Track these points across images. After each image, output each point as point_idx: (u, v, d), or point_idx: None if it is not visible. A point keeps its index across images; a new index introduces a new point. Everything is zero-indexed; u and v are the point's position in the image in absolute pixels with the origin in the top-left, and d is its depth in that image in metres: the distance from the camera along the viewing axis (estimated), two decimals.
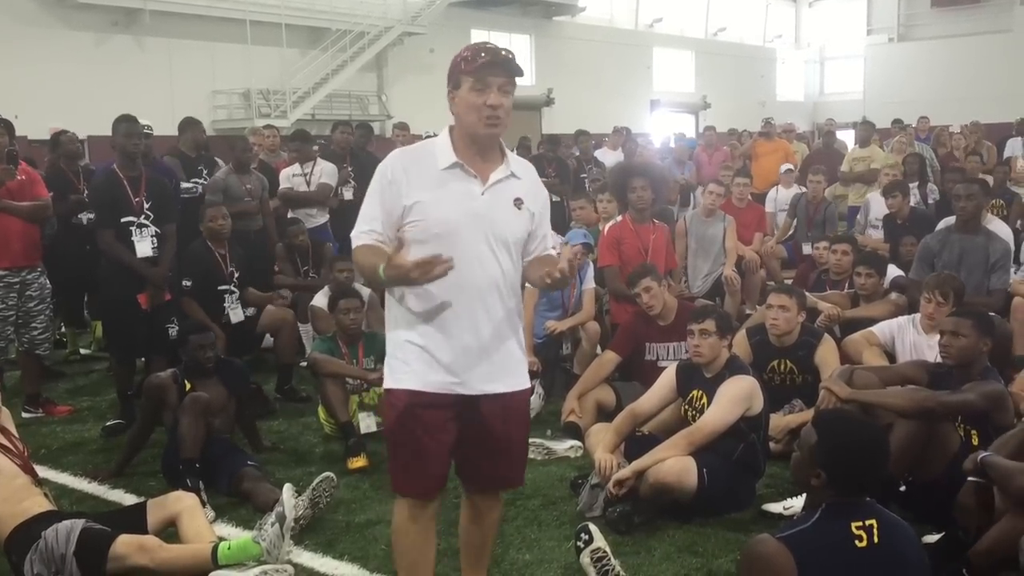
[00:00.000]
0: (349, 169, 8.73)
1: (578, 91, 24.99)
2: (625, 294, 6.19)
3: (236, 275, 6.40)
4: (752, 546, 2.68)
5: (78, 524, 3.55)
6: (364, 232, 2.82)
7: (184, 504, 3.74)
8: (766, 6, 33.56)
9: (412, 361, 2.83)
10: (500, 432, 2.93)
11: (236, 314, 6.37)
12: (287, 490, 3.75)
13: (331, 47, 20.62)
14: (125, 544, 3.48)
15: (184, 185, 7.27)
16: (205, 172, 7.60)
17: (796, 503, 4.17)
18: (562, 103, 25.02)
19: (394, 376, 2.89)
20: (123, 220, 5.61)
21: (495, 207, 2.84)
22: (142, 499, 4.00)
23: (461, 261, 2.67)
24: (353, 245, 2.84)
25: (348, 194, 8.66)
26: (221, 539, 3.71)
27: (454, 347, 2.81)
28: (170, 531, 3.76)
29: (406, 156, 2.88)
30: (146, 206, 5.65)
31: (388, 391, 2.91)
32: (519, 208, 2.89)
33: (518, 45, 25.92)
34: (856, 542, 2.60)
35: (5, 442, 3.81)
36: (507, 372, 2.91)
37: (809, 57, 35.62)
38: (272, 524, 3.54)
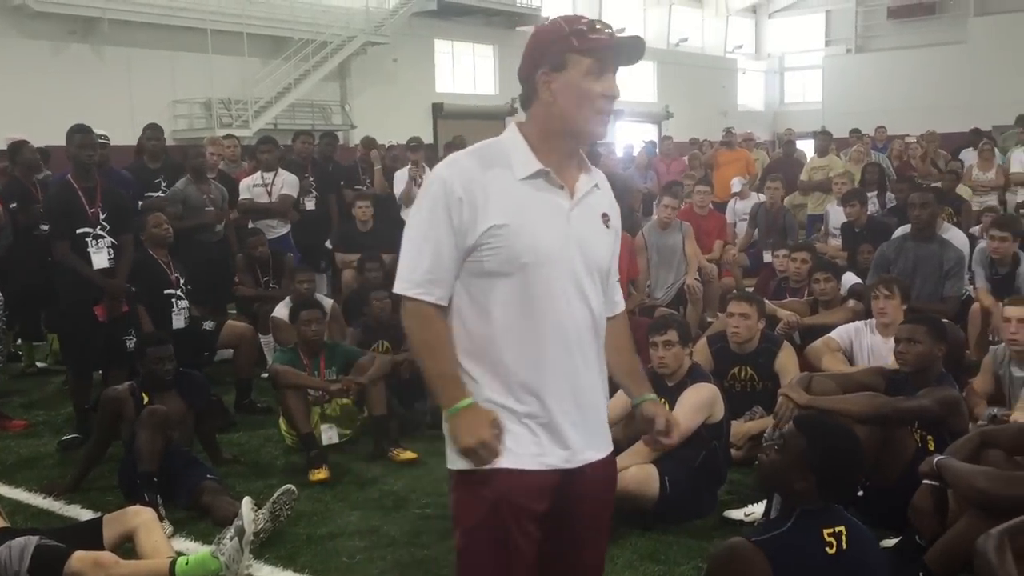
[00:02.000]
0: (311, 179, 8.68)
1: None
2: None
3: (182, 280, 6.31)
4: (726, 550, 2.70)
5: (32, 541, 3.48)
6: (421, 289, 2.15)
7: (141, 519, 3.69)
8: (727, 17, 33.95)
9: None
10: (594, 510, 2.32)
11: (178, 320, 6.25)
12: (246, 504, 3.71)
13: (293, 56, 20.51)
14: (80, 560, 3.42)
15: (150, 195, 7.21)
16: (164, 184, 7.51)
17: (757, 509, 4.21)
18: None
19: None
20: (79, 231, 5.52)
21: (586, 227, 2.25)
22: (98, 514, 3.94)
23: (555, 297, 2.16)
24: (408, 303, 2.18)
25: (310, 204, 8.61)
26: (179, 554, 3.66)
27: (553, 408, 2.19)
28: (127, 546, 3.69)
29: (471, 164, 2.17)
30: (102, 217, 5.57)
31: (466, 475, 2.16)
32: (607, 227, 2.31)
33: (481, 55, 26.02)
34: (827, 548, 2.63)
35: None
36: (603, 433, 2.34)
37: (769, 67, 36.08)
38: (231, 538, 3.49)
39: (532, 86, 2.19)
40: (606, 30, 2.15)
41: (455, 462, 2.18)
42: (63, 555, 3.43)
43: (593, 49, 2.13)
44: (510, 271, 2.13)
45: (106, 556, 3.48)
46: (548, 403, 2.18)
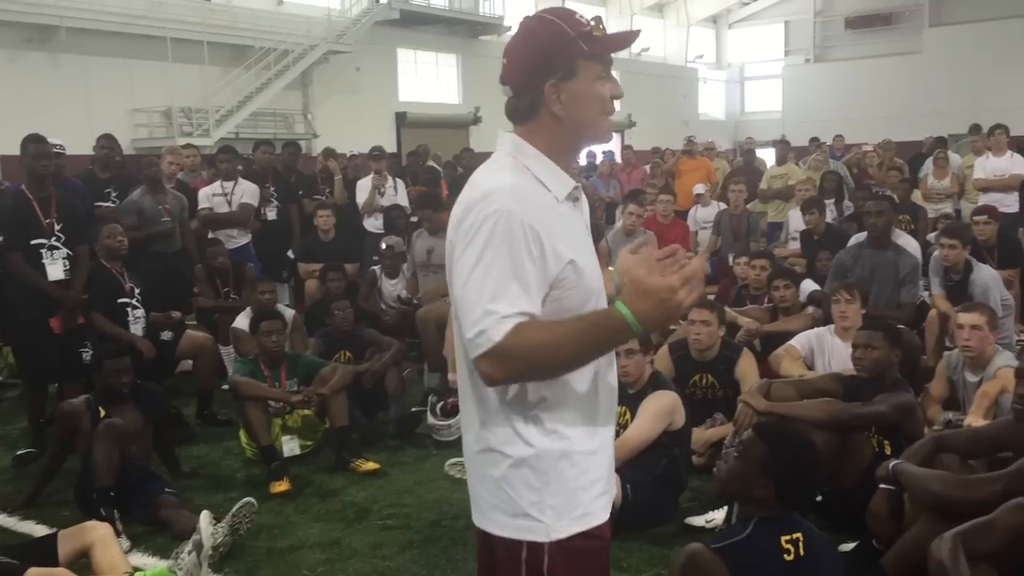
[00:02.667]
0: (271, 189, 8.63)
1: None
2: None
3: (137, 291, 6.23)
4: (687, 557, 2.72)
5: None
6: (507, 315, 1.79)
7: (96, 534, 3.63)
8: (688, 27, 34.24)
9: (593, 483, 1.95)
10: None
11: (135, 329, 6.14)
12: (204, 517, 3.67)
13: (255, 65, 20.35)
14: None
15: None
16: (114, 194, 7.40)
17: (718, 516, 4.24)
18: (489, 122, 25.10)
19: (578, 507, 1.92)
20: (33, 242, 5.44)
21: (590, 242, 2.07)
22: (53, 530, 3.87)
23: None
24: (497, 336, 1.78)
25: (271, 214, 8.56)
26: (136, 569, 3.61)
27: (608, 452, 2.04)
28: (83, 562, 3.63)
29: (524, 194, 1.89)
30: (57, 228, 5.48)
31: (563, 543, 1.90)
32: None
33: (445, 64, 26.01)
34: (784, 555, 2.66)
35: None
36: None
37: (730, 77, 36.43)
38: (189, 553, 3.45)
39: (537, 98, 1.94)
40: (603, 28, 1.96)
41: (560, 527, 1.90)
42: (16, 572, 3.37)
43: (601, 51, 1.95)
44: (580, 305, 1.91)
45: (61, 573, 3.42)
46: (606, 447, 2.04)
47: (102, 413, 4.69)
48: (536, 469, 1.90)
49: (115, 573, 3.53)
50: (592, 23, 1.95)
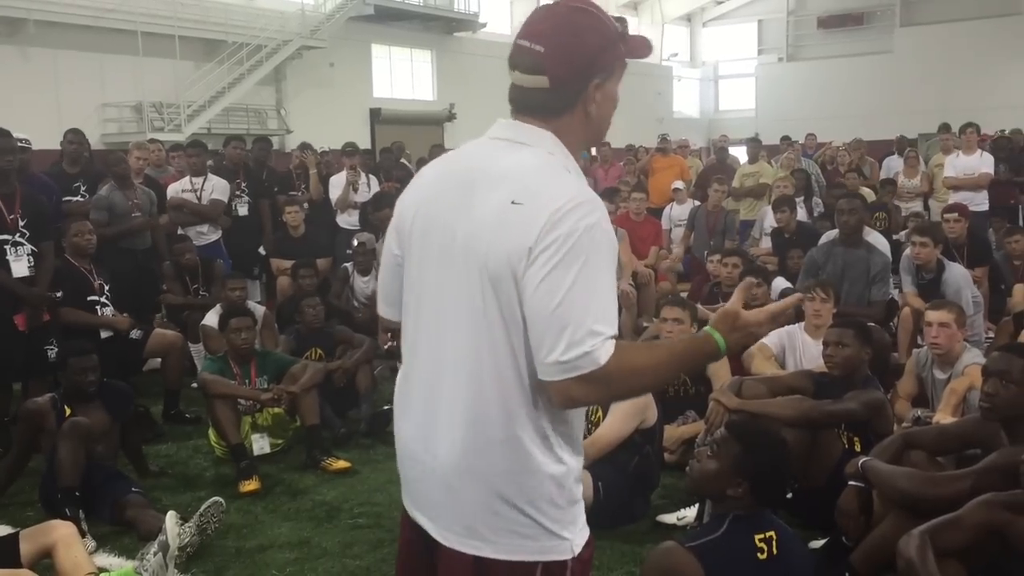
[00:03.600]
0: (242, 184, 8.55)
1: (480, 106, 24.92)
2: None
3: (106, 287, 6.15)
4: (660, 555, 2.71)
5: None
6: (610, 336, 1.71)
7: (59, 533, 3.57)
8: (662, 25, 34.33)
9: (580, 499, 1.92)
10: None
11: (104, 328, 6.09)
12: (170, 518, 3.61)
13: (227, 60, 20.18)
14: None
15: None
16: (83, 189, 7.31)
17: (689, 513, 4.24)
18: (464, 118, 25.05)
19: (581, 516, 1.90)
20: None
21: None
22: (16, 530, 3.80)
23: None
24: (603, 358, 1.69)
25: (243, 210, 8.48)
26: (102, 570, 3.56)
27: None
28: (46, 563, 3.57)
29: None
30: (21, 224, 5.39)
31: (579, 557, 1.87)
32: None
33: (419, 60, 25.92)
34: (758, 554, 2.66)
35: None
36: None
37: (704, 75, 36.60)
38: (155, 553, 3.40)
39: (579, 94, 1.84)
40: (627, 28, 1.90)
41: (579, 541, 1.86)
42: None
43: (631, 57, 1.90)
44: None
45: (24, 574, 3.36)
46: None
47: (67, 412, 4.62)
48: (564, 487, 1.84)
49: (79, 573, 3.47)
50: (620, 21, 1.88)
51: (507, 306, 1.75)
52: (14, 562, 3.47)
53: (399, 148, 12.51)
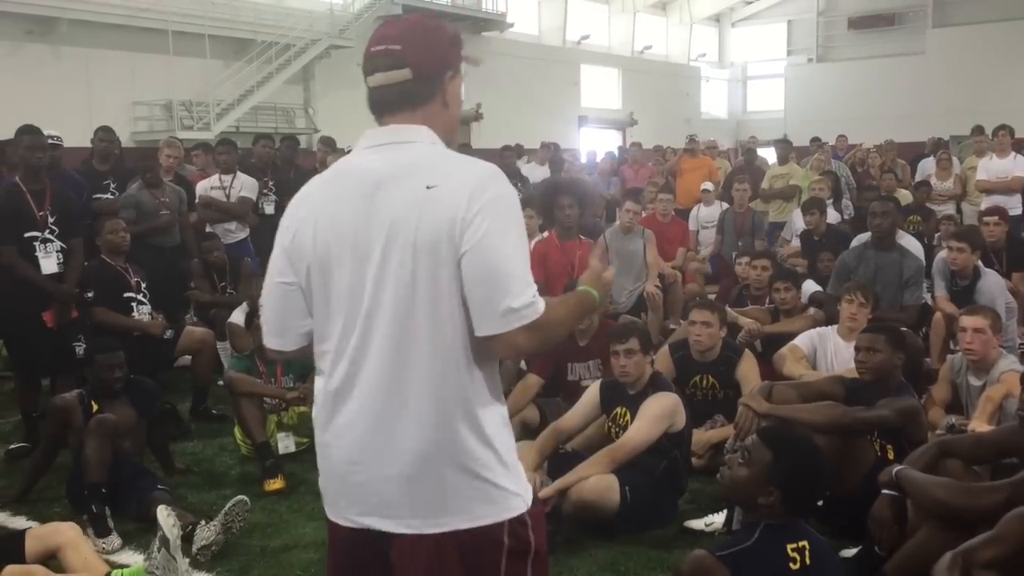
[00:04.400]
0: (270, 183, 8.59)
1: (507, 106, 25.04)
2: None
3: (143, 285, 6.18)
4: (690, 564, 2.66)
5: None
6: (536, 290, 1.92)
7: (65, 536, 3.56)
8: (690, 25, 34.16)
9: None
10: None
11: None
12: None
13: (256, 59, 20.30)
14: (10, 574, 3.33)
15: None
16: (113, 186, 7.35)
17: (717, 519, 4.19)
18: (491, 118, 25.05)
19: (523, 476, 2.04)
20: (26, 235, 5.38)
21: None
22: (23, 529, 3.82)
23: None
24: (541, 308, 1.88)
25: (269, 208, 8.51)
26: (115, 567, 3.56)
27: None
28: (51, 564, 3.56)
29: None
30: (51, 220, 5.43)
31: (532, 508, 2.01)
32: None
33: None
34: (791, 564, 2.60)
35: None
36: None
37: (732, 76, 36.37)
38: (158, 549, 3.38)
39: (437, 85, 2.02)
40: None
41: (528, 490, 2.00)
42: None
43: (466, 59, 2.12)
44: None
45: (38, 570, 3.40)
46: None
47: (95, 408, 4.64)
48: (507, 445, 1.98)
49: (91, 571, 3.49)
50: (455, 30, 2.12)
51: (443, 279, 1.87)
52: (19, 560, 3.49)
53: None
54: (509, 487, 1.94)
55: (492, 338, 1.86)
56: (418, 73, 1.98)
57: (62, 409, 4.64)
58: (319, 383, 2.05)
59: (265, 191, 8.50)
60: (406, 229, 1.88)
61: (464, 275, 1.85)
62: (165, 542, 3.35)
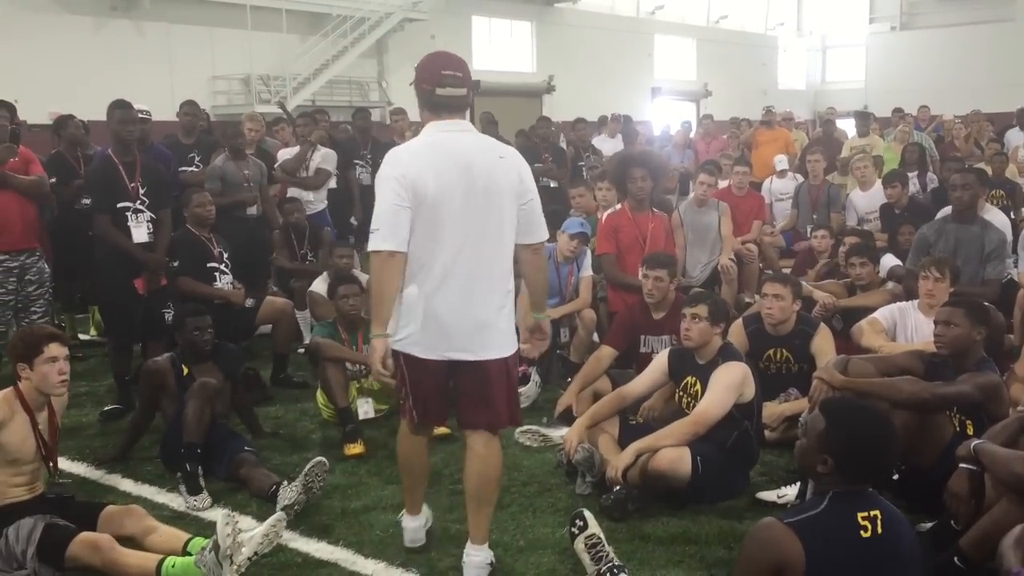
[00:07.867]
0: (367, 155, 9.00)
1: (579, 78, 24.90)
2: (622, 282, 6.19)
3: (226, 255, 6.39)
4: (759, 530, 2.68)
5: (40, 523, 3.60)
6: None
7: (141, 526, 3.74)
8: None
9: None
10: None
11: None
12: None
13: (331, 33, 20.55)
14: (81, 542, 3.54)
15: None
16: (197, 159, 7.58)
17: (790, 491, 4.19)
18: (563, 90, 24.94)
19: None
20: (119, 205, 5.61)
21: None
22: (136, 484, 3.97)
23: None
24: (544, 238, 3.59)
25: (367, 179, 8.98)
26: (192, 537, 3.73)
27: None
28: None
29: None
30: (142, 191, 5.65)
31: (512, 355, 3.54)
32: None
33: (519, 32, 25.87)
34: (861, 532, 2.61)
35: (44, 426, 3.85)
36: None
37: (811, 45, 35.49)
38: (209, 551, 3.44)
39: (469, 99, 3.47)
40: None
41: (515, 345, 3.62)
42: (69, 535, 3.56)
43: None
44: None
45: (104, 539, 3.57)
46: None
47: (185, 370, 4.84)
48: (512, 313, 3.53)
49: (179, 541, 3.69)
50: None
51: (511, 216, 3.43)
52: (91, 528, 3.68)
53: (488, 117, 12.40)
54: (512, 338, 3.50)
55: (529, 246, 3.53)
56: (466, 92, 3.44)
57: (155, 372, 4.85)
58: (412, 289, 3.35)
59: (361, 164, 8.97)
60: (498, 183, 3.39)
61: (520, 216, 3.46)
62: (216, 548, 3.42)
